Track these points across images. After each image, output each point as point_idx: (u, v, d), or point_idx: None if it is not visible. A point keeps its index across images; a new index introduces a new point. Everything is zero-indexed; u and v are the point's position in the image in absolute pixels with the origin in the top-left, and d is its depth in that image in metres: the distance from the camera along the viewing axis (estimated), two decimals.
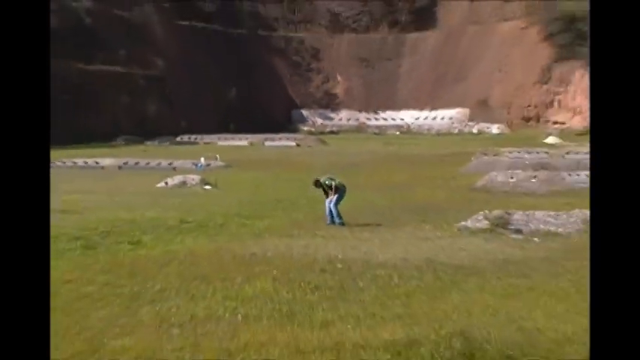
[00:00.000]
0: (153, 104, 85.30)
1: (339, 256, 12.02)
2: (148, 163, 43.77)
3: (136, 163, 46.08)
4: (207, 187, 30.30)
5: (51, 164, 42.24)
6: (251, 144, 70.81)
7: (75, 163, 44.84)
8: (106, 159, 46.12)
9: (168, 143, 74.00)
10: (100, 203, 21.84)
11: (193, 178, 31.91)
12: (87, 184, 31.10)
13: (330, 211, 17.82)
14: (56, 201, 21.73)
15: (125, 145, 69.74)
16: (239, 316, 8.53)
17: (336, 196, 17.85)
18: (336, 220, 17.66)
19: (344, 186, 18.26)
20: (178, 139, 77.06)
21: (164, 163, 44.82)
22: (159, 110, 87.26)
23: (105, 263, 11.77)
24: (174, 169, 41.66)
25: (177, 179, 31.76)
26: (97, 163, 45.19)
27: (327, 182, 18.34)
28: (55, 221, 15.77)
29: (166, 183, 31.19)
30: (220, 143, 71.34)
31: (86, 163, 45.23)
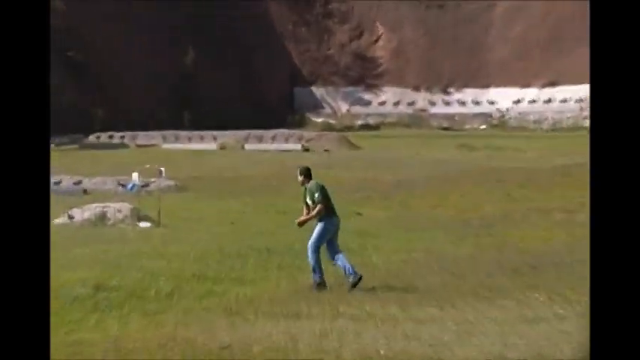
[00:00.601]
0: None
1: (383, 354, 7.63)
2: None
3: None
4: (145, 224, 21.08)
5: None
6: (222, 147, 50.55)
7: None
8: None
9: (74, 146, 51.77)
10: None
11: (119, 209, 21.91)
12: None
13: (314, 253, 11.67)
14: None
15: None
16: None
17: (318, 225, 11.58)
18: (339, 262, 11.65)
19: (333, 210, 11.76)
20: (92, 137, 55.14)
21: (68, 181, 31.70)
22: (56, 92, 63.60)
23: None
24: (85, 191, 30.26)
25: (90, 210, 21.77)
26: None
27: (314, 188, 11.68)
28: None
29: (72, 217, 21.34)
30: (167, 146, 51.69)
31: None
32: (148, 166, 25.10)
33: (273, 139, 51.54)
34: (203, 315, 10.07)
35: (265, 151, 47.41)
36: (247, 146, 50.05)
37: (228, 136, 52.21)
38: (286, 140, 51.57)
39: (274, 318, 9.65)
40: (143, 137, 53.74)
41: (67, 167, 34.81)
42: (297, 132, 55.59)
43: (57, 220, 20.39)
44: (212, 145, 50.68)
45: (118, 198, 25.09)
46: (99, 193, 28.22)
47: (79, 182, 30.93)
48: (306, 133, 55.44)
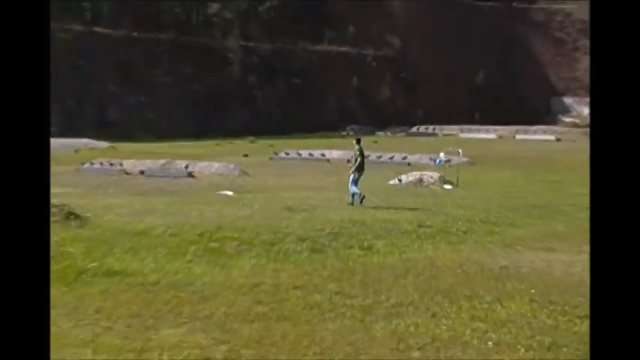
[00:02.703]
0: (386, 90, 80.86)
1: None
2: (379, 157, 41.35)
3: (366, 157, 44.48)
4: (448, 186, 28.40)
5: (274, 155, 46.52)
6: (500, 137, 64.33)
7: (299, 154, 44.52)
8: (333, 151, 44.48)
9: (402, 134, 70.14)
10: (326, 201, 21.62)
11: (431, 176, 29.93)
12: (312, 179, 30.98)
13: (353, 186, 20.99)
14: (280, 197, 22.74)
15: (354, 135, 66.10)
16: (489, 343, 7.95)
17: (356, 173, 21.13)
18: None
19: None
20: (414, 129, 72.12)
21: (397, 157, 42.26)
22: (392, 96, 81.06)
23: (334, 270, 11.74)
24: (408, 164, 39.41)
25: (412, 176, 30.17)
26: (322, 155, 44.05)
27: (360, 151, 21.77)
28: (281, 220, 16.66)
29: (400, 180, 29.91)
30: (463, 135, 65.59)
31: (311, 155, 44.34)
32: (450, 148, 33.77)
33: (535, 132, 65.63)
34: (488, 246, 14.50)
35: (529, 139, 61.21)
36: (517, 136, 63.73)
37: (504, 130, 66.86)
38: (544, 133, 65.43)
39: (536, 250, 13.87)
40: (446, 129, 69.35)
41: (397, 148, 47.54)
42: (552, 127, 71.02)
43: (390, 182, 29.53)
44: (492, 135, 64.83)
45: (430, 169, 33.34)
46: (418, 165, 37.33)
47: (405, 157, 41.62)
48: (558, 129, 70.16)
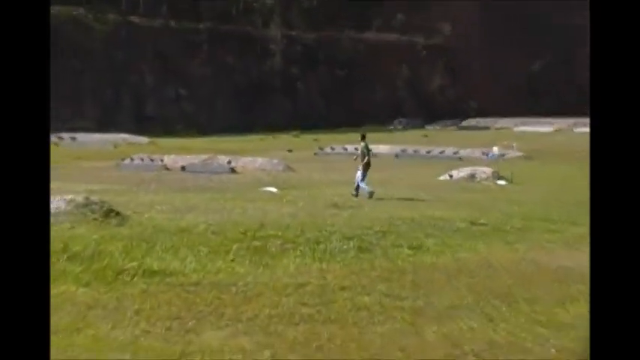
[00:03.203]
0: (436, 80, 79.53)
1: None
2: (429, 152, 41.53)
3: (415, 151, 44.09)
4: (501, 182, 28.13)
5: (319, 150, 47.54)
6: (557, 130, 63.43)
7: (345, 149, 44.36)
8: (381, 145, 43.70)
9: (453, 127, 69.42)
10: (373, 197, 21.81)
11: (484, 171, 29.61)
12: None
13: (361, 182, 22.27)
14: (326, 194, 22.81)
15: (402, 129, 64.19)
16: (552, 350, 7.72)
17: (363, 168, 22.47)
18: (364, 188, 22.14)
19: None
20: (465, 123, 71.42)
21: (448, 151, 41.85)
22: (443, 87, 79.04)
23: (382, 270, 11.44)
24: (460, 159, 39.11)
25: (464, 171, 29.90)
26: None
27: (366, 146, 23.00)
28: (326, 217, 16.51)
29: (451, 176, 29.63)
30: (517, 129, 64.48)
31: (357, 150, 44.55)
32: (505, 142, 34.05)
33: None
34: (547, 245, 13.98)
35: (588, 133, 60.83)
36: (576, 129, 62.05)
37: (562, 122, 66.00)
38: None
39: None
40: (500, 122, 68.66)
41: (448, 142, 46.65)
42: None
43: (440, 177, 29.33)
44: (549, 128, 63.70)
45: (483, 164, 32.68)
46: (470, 160, 36.96)
47: (456, 152, 40.93)
48: None
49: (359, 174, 22.36)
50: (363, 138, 23.32)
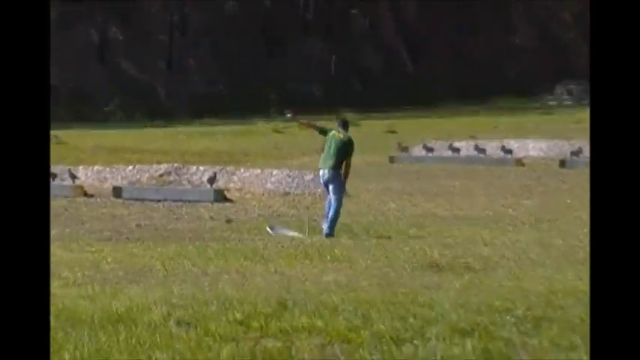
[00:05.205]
0: None
1: None
2: None
3: None
4: None
5: (401, 153, 27.12)
6: None
7: (455, 149, 32.52)
8: (529, 141, 31.57)
9: None
10: (514, 249, 13.27)
11: None
12: (481, 201, 20.80)
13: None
14: (414, 243, 13.94)
15: (572, 105, 44.67)
16: None
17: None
18: (324, 226, 15.32)
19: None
20: None
21: None
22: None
23: None
24: None
25: None
26: (505, 150, 30.57)
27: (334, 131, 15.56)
28: (415, 291, 9.32)
29: None
30: None
31: (480, 150, 31.27)
32: None
33: None
34: None
35: None
36: None
37: None
38: None
39: None
40: None
41: None
42: None
43: None
44: None
45: None
46: None
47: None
48: None
49: (332, 195, 15.15)
50: (344, 125, 15.80)
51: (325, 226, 14.86)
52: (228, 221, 17.45)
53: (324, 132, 15.42)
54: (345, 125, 15.66)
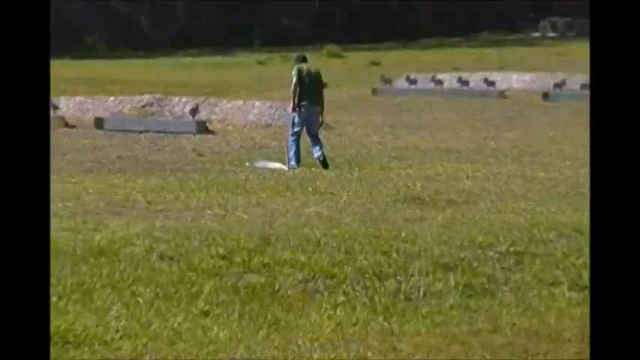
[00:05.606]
0: None
1: None
2: None
3: (585, 85, 29.73)
4: None
5: (383, 85, 27.42)
6: None
7: (438, 81, 31.73)
8: (512, 73, 31.11)
9: None
10: (496, 182, 13.03)
11: None
12: (465, 134, 20.51)
13: (294, 138, 15.14)
14: (397, 176, 13.84)
15: (556, 38, 44.74)
16: None
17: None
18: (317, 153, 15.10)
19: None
20: None
21: None
22: None
23: (519, 332, 6.62)
24: None
25: None
26: (488, 82, 29.72)
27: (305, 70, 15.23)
28: (398, 224, 9.43)
29: None
30: None
31: (463, 82, 30.38)
32: None
33: None
34: None
35: None
36: None
37: None
38: None
39: None
40: None
41: None
42: None
43: None
44: None
45: None
46: None
47: None
48: None
49: (292, 128, 15.24)
50: (300, 60, 15.69)
51: (319, 153, 14.73)
52: (200, 155, 17.25)
53: (299, 75, 14.84)
54: (305, 59, 15.62)
